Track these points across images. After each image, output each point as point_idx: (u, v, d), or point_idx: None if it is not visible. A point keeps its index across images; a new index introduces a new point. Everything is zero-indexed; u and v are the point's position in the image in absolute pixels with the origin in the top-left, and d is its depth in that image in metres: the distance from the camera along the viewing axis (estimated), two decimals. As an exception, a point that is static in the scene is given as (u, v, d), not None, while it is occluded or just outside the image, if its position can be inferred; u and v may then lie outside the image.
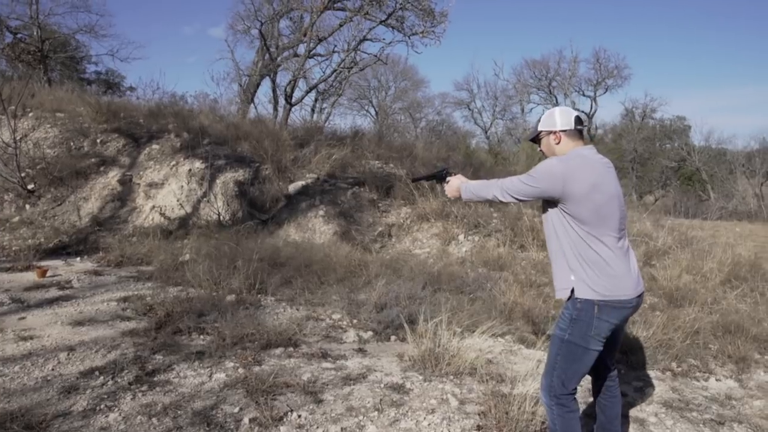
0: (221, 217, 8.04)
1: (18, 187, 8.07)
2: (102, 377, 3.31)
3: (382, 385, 3.44)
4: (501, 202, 2.49)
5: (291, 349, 3.96)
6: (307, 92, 15.44)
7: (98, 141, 9.41)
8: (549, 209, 2.41)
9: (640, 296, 2.38)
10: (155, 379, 3.34)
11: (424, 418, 3.05)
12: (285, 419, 2.94)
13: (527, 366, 3.54)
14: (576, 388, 2.41)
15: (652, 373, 3.96)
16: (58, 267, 6.12)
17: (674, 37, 57.83)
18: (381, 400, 3.23)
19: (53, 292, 5.11)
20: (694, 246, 7.58)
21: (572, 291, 2.31)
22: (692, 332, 4.50)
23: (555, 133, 2.46)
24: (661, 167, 32.24)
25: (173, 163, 8.86)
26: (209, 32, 52.84)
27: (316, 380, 3.44)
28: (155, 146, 9.33)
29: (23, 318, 4.37)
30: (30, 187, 8.19)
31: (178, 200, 8.23)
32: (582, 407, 2.98)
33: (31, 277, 5.60)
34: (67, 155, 8.94)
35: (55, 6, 16.84)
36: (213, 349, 3.79)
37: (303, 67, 13.85)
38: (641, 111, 35.71)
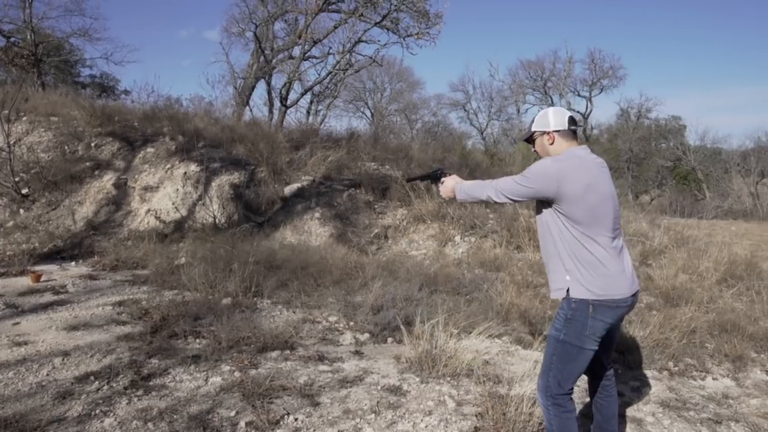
0: (217, 220, 8.02)
1: (12, 192, 8.03)
2: (97, 382, 3.29)
3: (378, 388, 3.43)
4: (495, 202, 2.49)
5: (287, 352, 3.95)
6: (303, 94, 15.45)
7: (93, 145, 9.38)
8: (543, 210, 2.41)
9: (635, 295, 2.38)
10: (151, 383, 3.32)
11: (422, 420, 3.04)
12: (282, 423, 2.93)
13: (524, 367, 3.54)
14: (572, 388, 2.41)
15: (649, 373, 3.97)
16: (52, 272, 6.08)
17: (669, 37, 58.23)
18: (378, 402, 3.22)
19: (48, 297, 5.09)
20: (690, 245, 7.60)
21: (567, 291, 2.31)
22: (689, 331, 4.51)
23: (549, 133, 2.45)
24: (656, 167, 32.37)
25: (168, 166, 8.84)
26: (204, 35, 52.98)
27: (313, 383, 3.43)
28: (150, 149, 9.31)
29: (17, 323, 4.34)
30: (24, 191, 8.16)
31: (173, 203, 8.20)
32: (579, 407, 2.98)
33: (25, 282, 5.56)
34: (61, 159, 8.90)
35: (48, 10, 16.80)
36: (209, 353, 3.77)
37: (298, 69, 13.86)
38: (636, 111, 35.86)
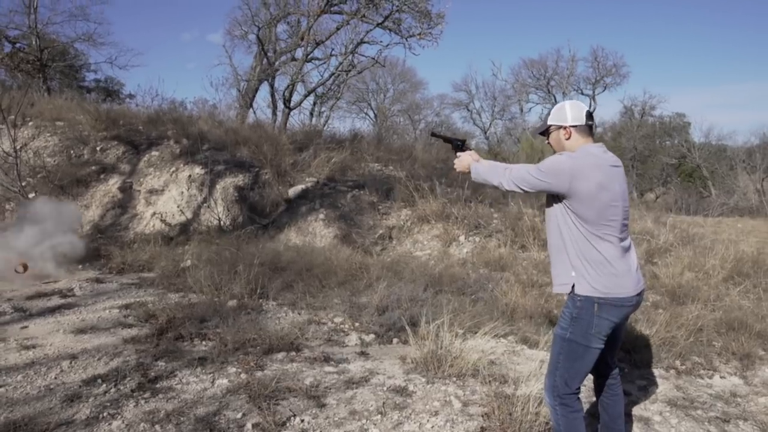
0: (222, 223, 8.05)
1: (19, 196, 8.07)
2: (104, 385, 3.31)
3: (384, 389, 3.43)
4: (506, 189, 2.43)
5: (293, 353, 3.95)
6: (306, 96, 15.46)
7: (98, 149, 9.43)
8: (554, 204, 2.38)
9: (641, 294, 2.37)
10: (158, 385, 3.34)
11: (428, 421, 3.05)
12: (288, 424, 2.94)
13: (530, 366, 3.53)
14: (579, 388, 2.40)
15: (656, 372, 3.95)
16: (59, 275, 6.12)
17: (672, 35, 57.84)
18: (384, 403, 3.23)
19: (55, 301, 5.12)
20: (695, 243, 7.57)
21: (573, 287, 2.30)
22: (696, 330, 4.49)
23: (565, 128, 2.41)
24: (661, 164, 32.19)
25: (173, 169, 8.87)
26: (207, 38, 53.14)
27: (319, 384, 3.44)
28: (155, 153, 9.35)
29: (25, 327, 4.37)
30: (31, 195, 8.20)
31: (178, 206, 8.24)
32: (586, 407, 2.98)
33: (33, 287, 5.59)
34: (67, 163, 8.95)
35: (53, 15, 16.86)
36: (215, 355, 3.79)
37: (301, 71, 13.89)
38: (640, 109, 35.64)
